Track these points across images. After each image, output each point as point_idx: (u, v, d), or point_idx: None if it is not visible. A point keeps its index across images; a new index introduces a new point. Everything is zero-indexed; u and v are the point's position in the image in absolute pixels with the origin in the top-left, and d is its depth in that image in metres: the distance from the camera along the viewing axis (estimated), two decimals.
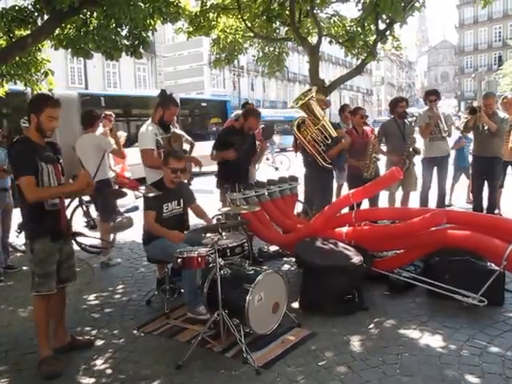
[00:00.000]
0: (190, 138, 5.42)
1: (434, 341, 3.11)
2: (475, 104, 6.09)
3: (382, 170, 5.67)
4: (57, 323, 3.19)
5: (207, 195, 6.77)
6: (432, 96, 5.84)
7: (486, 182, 5.96)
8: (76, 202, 5.89)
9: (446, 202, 6.23)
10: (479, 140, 5.82)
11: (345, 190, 6.08)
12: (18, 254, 5.76)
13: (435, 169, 5.95)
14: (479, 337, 3.12)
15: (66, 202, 5.30)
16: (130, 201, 6.83)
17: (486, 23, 48.59)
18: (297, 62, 43.13)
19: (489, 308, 3.45)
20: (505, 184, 6.39)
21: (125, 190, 4.31)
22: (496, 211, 6.11)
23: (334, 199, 5.19)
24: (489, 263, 3.69)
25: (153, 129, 4.25)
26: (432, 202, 6.04)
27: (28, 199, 2.88)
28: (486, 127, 5.64)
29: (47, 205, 2.95)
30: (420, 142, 6.02)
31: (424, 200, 6.00)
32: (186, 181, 4.44)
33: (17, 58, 6.49)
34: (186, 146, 5.27)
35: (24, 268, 5.06)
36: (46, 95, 3.07)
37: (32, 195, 2.86)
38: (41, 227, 2.94)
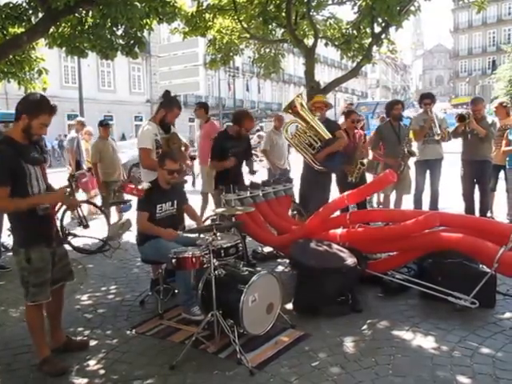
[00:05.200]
0: (184, 140, 5.42)
1: (427, 342, 3.13)
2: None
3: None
4: (53, 323, 3.16)
5: (200, 196, 6.76)
6: (427, 99, 5.87)
7: (477, 186, 6.01)
8: None
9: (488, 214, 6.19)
10: (469, 145, 5.87)
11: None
12: (10, 254, 5.71)
13: (428, 171, 5.99)
14: (471, 338, 3.15)
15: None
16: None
17: (481, 28, 49.03)
18: (292, 64, 43.25)
19: (480, 310, 3.48)
20: (497, 188, 6.44)
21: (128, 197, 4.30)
22: (488, 214, 6.16)
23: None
24: (481, 265, 3.73)
25: (152, 128, 4.24)
26: (425, 205, 6.07)
27: (1, 211, 2.76)
28: (475, 132, 5.69)
29: (40, 210, 2.81)
30: (414, 145, 6.05)
31: (417, 203, 6.04)
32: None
33: (10, 56, 6.45)
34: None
35: (14, 268, 5.03)
36: (44, 100, 2.82)
37: (4, 207, 2.71)
38: (36, 234, 2.82)
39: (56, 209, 3.21)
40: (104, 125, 6.94)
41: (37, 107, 2.75)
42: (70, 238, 5.71)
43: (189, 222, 4.26)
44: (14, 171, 2.70)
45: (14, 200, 2.72)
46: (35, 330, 2.95)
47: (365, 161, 5.50)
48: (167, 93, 4.46)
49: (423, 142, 5.85)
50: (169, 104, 4.30)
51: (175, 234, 3.68)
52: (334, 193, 5.30)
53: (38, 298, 2.86)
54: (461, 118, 5.76)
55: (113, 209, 6.78)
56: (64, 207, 5.84)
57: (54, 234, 3.02)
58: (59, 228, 4.76)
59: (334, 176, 5.49)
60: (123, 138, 20.24)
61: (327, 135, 4.90)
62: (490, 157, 5.97)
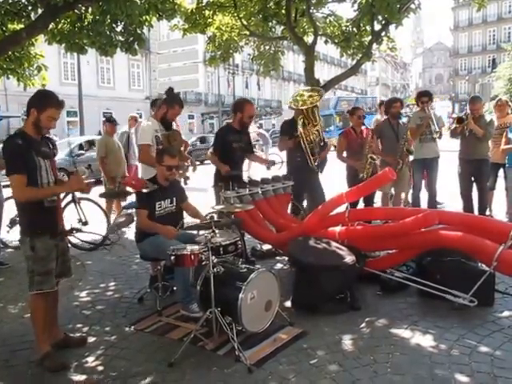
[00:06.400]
0: (184, 138, 5.40)
1: (425, 340, 3.13)
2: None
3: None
4: (50, 320, 3.15)
5: (201, 193, 6.76)
6: (424, 97, 5.87)
7: (474, 184, 6.01)
8: (69, 198, 5.87)
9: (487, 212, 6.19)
10: (466, 143, 5.87)
11: None
12: (9, 250, 5.71)
13: (425, 170, 5.99)
14: (469, 336, 3.15)
15: None
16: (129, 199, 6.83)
17: (481, 26, 48.99)
18: (292, 61, 43.19)
19: (479, 308, 3.48)
20: (496, 186, 6.44)
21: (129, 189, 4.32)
22: (487, 213, 6.16)
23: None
24: (479, 264, 3.73)
25: (152, 125, 4.24)
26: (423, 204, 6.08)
27: (16, 198, 2.85)
28: (473, 131, 5.68)
29: (46, 201, 2.91)
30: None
31: (415, 201, 6.04)
32: (182, 180, 4.44)
33: (10, 53, 6.44)
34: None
35: (13, 264, 5.03)
36: (52, 94, 2.96)
37: (21, 195, 2.83)
38: (41, 224, 2.89)
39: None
40: (111, 121, 6.97)
41: (44, 101, 2.88)
42: (74, 232, 5.70)
43: (187, 219, 4.25)
44: (26, 162, 2.81)
45: (30, 189, 2.82)
46: (38, 322, 2.97)
47: (375, 156, 5.49)
48: (170, 90, 4.45)
49: (420, 140, 5.84)
50: (170, 101, 4.30)
51: (174, 231, 3.68)
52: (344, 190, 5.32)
53: (43, 287, 2.90)
54: (459, 120, 5.76)
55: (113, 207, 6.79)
56: (65, 202, 5.84)
57: (59, 227, 3.06)
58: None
59: (344, 173, 5.66)
60: None
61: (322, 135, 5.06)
62: (488, 155, 5.98)
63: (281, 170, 7.09)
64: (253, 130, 13.84)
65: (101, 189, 7.01)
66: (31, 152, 2.83)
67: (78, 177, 3.07)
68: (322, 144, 5.07)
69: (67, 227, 5.87)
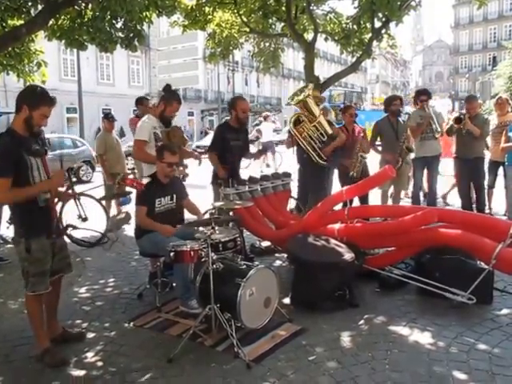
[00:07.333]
0: (184, 135, 5.40)
1: (423, 337, 3.14)
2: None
3: (376, 168, 5.70)
4: (50, 314, 3.17)
5: (200, 190, 6.77)
6: (423, 96, 5.85)
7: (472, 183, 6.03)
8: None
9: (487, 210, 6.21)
10: (462, 143, 5.88)
11: None
12: (8, 246, 5.71)
13: (426, 168, 5.99)
14: (467, 334, 3.16)
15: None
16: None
17: (482, 24, 48.87)
18: (292, 58, 43.10)
19: (477, 306, 3.49)
20: (496, 184, 6.45)
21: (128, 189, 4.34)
22: (487, 211, 6.17)
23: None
24: (478, 262, 3.74)
25: (151, 122, 4.24)
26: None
27: (2, 202, 2.81)
28: (470, 131, 5.68)
29: (40, 201, 2.86)
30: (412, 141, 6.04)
31: (416, 199, 6.05)
32: (181, 176, 4.44)
33: (10, 49, 6.43)
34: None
35: (13, 260, 5.03)
36: (45, 90, 2.90)
37: (4, 199, 2.76)
38: (37, 225, 2.85)
39: (55, 200, 3.23)
40: (109, 118, 6.98)
41: (37, 98, 2.81)
42: (69, 229, 5.71)
43: (187, 216, 4.26)
44: (17, 163, 2.74)
45: (13, 191, 2.74)
46: (35, 321, 2.97)
47: (366, 155, 5.48)
48: (168, 86, 4.45)
49: (420, 138, 5.83)
50: (168, 98, 4.30)
51: (172, 230, 3.68)
52: (337, 188, 5.30)
53: (38, 288, 2.89)
54: (457, 120, 5.77)
55: (112, 202, 6.79)
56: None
57: (54, 226, 3.04)
58: (58, 220, 4.77)
59: (336, 171, 5.56)
60: (121, 131, 20.11)
61: (329, 130, 4.94)
62: (483, 153, 6.00)
63: (280, 167, 7.10)
64: (270, 126, 14.01)
65: (100, 185, 7.03)
66: (22, 151, 2.75)
67: (60, 172, 3.00)
68: (324, 139, 4.92)
69: (64, 223, 5.91)
